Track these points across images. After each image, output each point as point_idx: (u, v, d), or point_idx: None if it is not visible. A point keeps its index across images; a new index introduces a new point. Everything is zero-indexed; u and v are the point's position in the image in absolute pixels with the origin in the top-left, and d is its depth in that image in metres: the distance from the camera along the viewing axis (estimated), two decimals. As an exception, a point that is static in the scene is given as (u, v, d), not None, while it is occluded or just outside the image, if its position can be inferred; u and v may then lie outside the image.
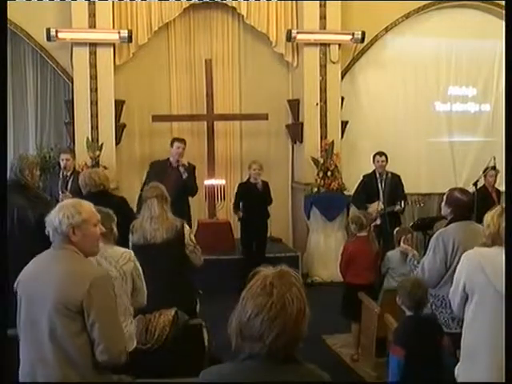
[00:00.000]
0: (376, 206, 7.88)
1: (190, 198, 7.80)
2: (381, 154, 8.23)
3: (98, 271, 3.14)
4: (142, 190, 7.53)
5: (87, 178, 5.61)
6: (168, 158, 7.84)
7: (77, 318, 2.88)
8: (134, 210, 5.85)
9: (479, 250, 3.33)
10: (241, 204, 7.99)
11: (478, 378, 3.18)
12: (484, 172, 8.24)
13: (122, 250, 4.00)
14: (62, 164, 7.58)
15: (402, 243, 5.55)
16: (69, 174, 7.51)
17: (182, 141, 7.89)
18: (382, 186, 8.12)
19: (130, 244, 4.84)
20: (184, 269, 4.94)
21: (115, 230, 4.01)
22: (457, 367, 3.41)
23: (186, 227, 4.95)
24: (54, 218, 3.01)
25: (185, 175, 7.61)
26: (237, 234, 8.69)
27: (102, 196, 5.49)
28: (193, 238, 4.98)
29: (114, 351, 2.95)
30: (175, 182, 7.33)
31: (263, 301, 1.85)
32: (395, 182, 8.18)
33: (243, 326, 1.87)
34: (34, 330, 2.93)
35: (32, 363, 2.97)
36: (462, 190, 4.72)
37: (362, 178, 8.37)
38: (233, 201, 8.24)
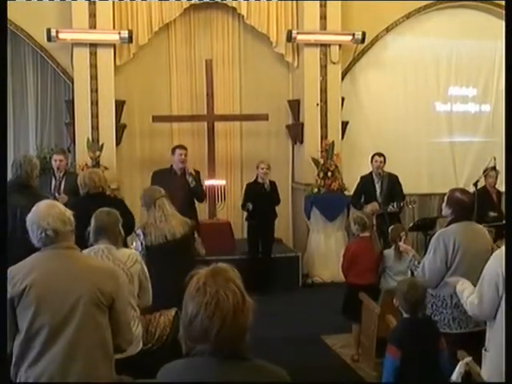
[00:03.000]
0: (371, 207, 7.91)
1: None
2: (379, 154, 8.26)
3: (115, 267, 3.42)
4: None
5: (87, 178, 5.58)
6: (171, 166, 7.77)
7: (106, 311, 3.01)
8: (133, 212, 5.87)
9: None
10: (249, 203, 8.01)
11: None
12: (484, 173, 8.25)
13: (129, 251, 4.05)
14: (55, 165, 7.50)
15: (401, 243, 5.55)
16: (61, 175, 7.44)
17: (184, 148, 7.81)
18: (379, 186, 8.14)
19: (140, 246, 4.90)
20: (194, 264, 5.00)
21: (122, 231, 4.04)
22: (458, 369, 3.42)
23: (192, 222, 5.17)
24: (54, 220, 3.01)
25: (192, 184, 7.56)
26: (237, 234, 8.69)
27: (101, 198, 5.50)
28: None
29: (131, 342, 3.27)
30: (181, 189, 7.31)
31: (199, 301, 1.92)
32: (392, 181, 8.19)
33: (187, 328, 1.95)
34: (59, 331, 2.90)
35: (58, 364, 2.91)
36: (463, 191, 4.72)
37: (359, 179, 8.40)
38: (241, 201, 8.28)
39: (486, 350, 3.52)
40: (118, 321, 3.06)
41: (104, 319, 3.00)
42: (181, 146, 7.86)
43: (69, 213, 3.11)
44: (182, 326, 1.97)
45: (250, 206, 7.91)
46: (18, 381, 2.94)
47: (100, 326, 2.98)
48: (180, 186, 7.35)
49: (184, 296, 2.00)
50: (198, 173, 7.91)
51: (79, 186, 5.62)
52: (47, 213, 3.03)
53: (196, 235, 5.23)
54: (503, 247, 3.42)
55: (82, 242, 3.97)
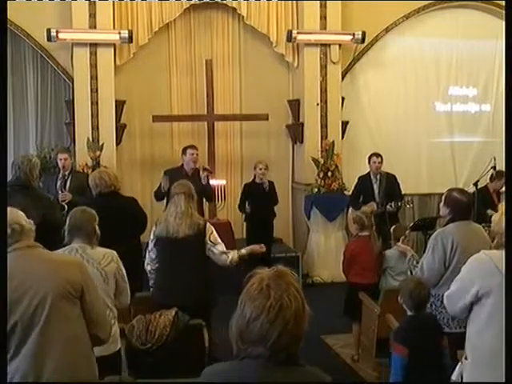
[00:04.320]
0: (369, 208, 7.92)
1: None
2: (377, 155, 8.26)
3: (80, 259, 3.50)
4: (155, 196, 7.56)
5: (97, 178, 5.56)
6: (182, 166, 7.71)
7: (77, 301, 3.03)
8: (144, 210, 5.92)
9: (490, 252, 3.29)
10: (247, 204, 8.01)
11: (494, 378, 3.06)
12: (491, 178, 8.21)
13: (104, 250, 3.96)
14: (60, 163, 7.55)
15: (400, 243, 5.56)
16: (67, 173, 7.49)
17: (195, 147, 7.76)
18: (378, 186, 8.14)
19: (152, 235, 4.93)
20: (202, 267, 4.93)
21: (98, 230, 3.98)
22: (458, 369, 3.39)
23: (210, 227, 4.94)
24: (19, 221, 3.08)
25: (205, 181, 7.55)
26: (237, 234, 8.69)
27: (113, 196, 5.53)
28: (214, 238, 4.90)
29: (108, 330, 3.26)
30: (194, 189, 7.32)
31: (261, 304, 1.84)
32: (391, 181, 8.20)
33: (243, 330, 1.87)
34: (29, 328, 2.93)
35: (30, 359, 2.94)
36: (461, 191, 4.74)
37: (357, 179, 8.40)
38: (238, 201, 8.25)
39: (466, 358, 3.28)
40: (91, 311, 3.07)
41: (74, 311, 3.02)
42: (192, 146, 7.79)
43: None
44: (237, 326, 1.89)
45: (249, 209, 7.93)
46: None
47: (70, 319, 2.99)
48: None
49: (241, 296, 1.92)
50: (209, 171, 7.92)
51: (91, 187, 5.58)
52: (10, 212, 3.12)
53: (217, 246, 4.86)
54: (485, 251, 3.33)
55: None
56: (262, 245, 5.12)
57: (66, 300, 2.98)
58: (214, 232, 4.94)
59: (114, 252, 3.99)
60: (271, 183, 8.15)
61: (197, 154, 7.69)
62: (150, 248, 5.01)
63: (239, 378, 1.87)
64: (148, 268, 5.03)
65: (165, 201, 7.26)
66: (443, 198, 4.60)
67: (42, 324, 2.93)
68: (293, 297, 1.87)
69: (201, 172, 7.57)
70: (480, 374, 3.16)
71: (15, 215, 3.10)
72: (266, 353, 1.85)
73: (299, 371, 1.92)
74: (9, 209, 3.11)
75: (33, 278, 2.98)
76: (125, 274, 4.00)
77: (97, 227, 3.98)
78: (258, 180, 8.06)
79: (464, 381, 3.30)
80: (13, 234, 3.03)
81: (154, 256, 4.98)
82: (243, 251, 4.98)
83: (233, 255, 4.88)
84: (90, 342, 3.09)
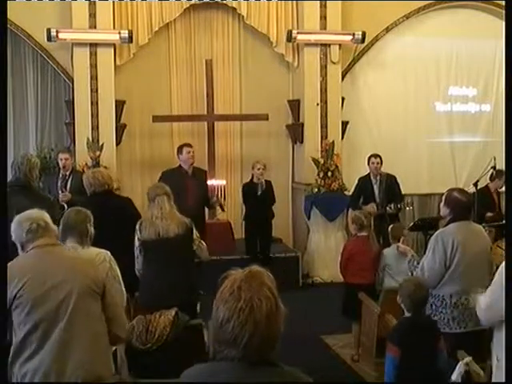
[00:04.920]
0: (369, 209, 7.92)
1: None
2: (375, 156, 8.26)
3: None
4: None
5: (91, 177, 5.58)
6: (179, 166, 7.73)
7: (99, 299, 3.10)
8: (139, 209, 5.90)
9: None
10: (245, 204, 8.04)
11: None
12: (492, 177, 8.22)
13: (97, 250, 3.99)
14: (61, 164, 7.57)
15: (400, 244, 5.55)
16: (67, 173, 7.50)
17: (190, 145, 7.78)
18: (378, 187, 8.14)
19: (138, 241, 4.89)
20: (191, 266, 5.03)
21: (91, 230, 4.00)
22: (458, 369, 3.39)
23: (192, 224, 5.01)
24: (44, 218, 3.22)
25: (213, 201, 7.73)
26: (237, 234, 8.69)
27: (107, 195, 5.52)
28: (197, 234, 5.06)
29: (126, 329, 3.37)
30: (193, 188, 7.34)
31: (232, 306, 1.86)
32: (391, 182, 8.19)
33: (217, 332, 1.91)
34: (53, 325, 2.96)
35: (54, 356, 2.96)
36: (461, 191, 4.73)
37: (357, 180, 8.40)
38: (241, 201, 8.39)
39: (497, 359, 3.30)
40: (111, 308, 3.15)
41: (98, 308, 3.09)
42: (187, 144, 7.81)
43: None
44: (212, 327, 1.92)
45: (244, 211, 8.06)
46: (14, 379, 2.98)
47: (94, 316, 3.05)
48: (192, 186, 7.36)
49: (215, 298, 1.94)
50: (205, 172, 7.91)
51: (85, 187, 5.61)
52: (35, 210, 3.29)
53: (202, 241, 5.12)
54: None
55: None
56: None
57: (89, 297, 3.04)
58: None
59: (108, 252, 4.01)
60: (268, 182, 8.15)
61: (193, 152, 7.70)
62: (136, 254, 4.93)
63: (216, 379, 1.90)
64: (138, 274, 5.02)
65: None
66: (443, 198, 4.60)
67: (66, 320, 2.97)
68: (264, 298, 1.88)
69: (211, 201, 7.73)
70: None
71: (41, 213, 3.24)
72: (240, 354, 1.86)
73: (276, 372, 1.93)
74: (34, 209, 3.27)
75: (58, 275, 3.04)
76: (119, 275, 4.03)
77: (90, 227, 4.00)
78: (256, 180, 8.07)
79: (496, 380, 3.30)
80: (37, 230, 3.13)
81: (141, 262, 4.94)
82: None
83: None
84: (107, 341, 3.15)
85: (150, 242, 4.82)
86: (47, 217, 3.24)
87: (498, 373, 3.28)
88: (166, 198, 4.92)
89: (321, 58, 9.23)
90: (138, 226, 4.91)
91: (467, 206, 4.55)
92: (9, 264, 3.10)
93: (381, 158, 8.22)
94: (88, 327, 3.02)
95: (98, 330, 3.07)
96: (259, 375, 1.89)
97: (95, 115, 8.73)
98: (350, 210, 8.49)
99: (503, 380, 3.19)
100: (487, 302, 3.36)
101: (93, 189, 5.54)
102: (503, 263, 3.34)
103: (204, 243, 5.10)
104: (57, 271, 3.06)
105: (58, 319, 2.97)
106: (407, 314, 3.99)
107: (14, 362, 2.99)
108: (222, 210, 7.97)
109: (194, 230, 5.00)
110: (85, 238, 3.95)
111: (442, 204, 4.62)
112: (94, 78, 8.70)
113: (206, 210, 8.52)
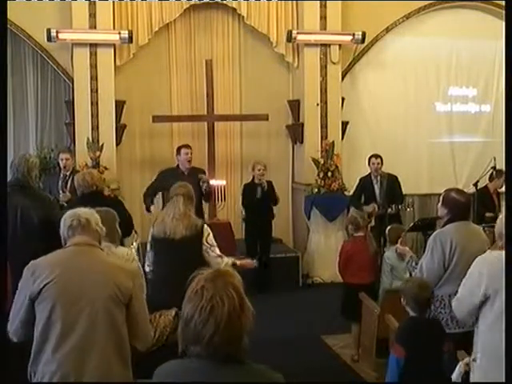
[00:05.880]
0: (370, 209, 7.92)
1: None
2: (376, 156, 8.27)
3: (134, 266, 3.59)
4: (145, 193, 7.64)
5: (80, 179, 5.66)
6: (177, 166, 7.74)
7: (123, 308, 3.06)
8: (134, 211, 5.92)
9: (496, 252, 3.31)
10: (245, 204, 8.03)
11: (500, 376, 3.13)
12: (491, 177, 8.22)
13: (126, 249, 4.11)
14: (62, 164, 7.59)
15: (399, 245, 5.55)
16: (68, 173, 7.50)
17: (189, 146, 7.80)
18: (379, 187, 8.14)
19: (150, 236, 4.94)
20: (196, 269, 4.95)
21: (119, 230, 4.08)
22: (458, 369, 3.40)
23: (207, 229, 4.94)
24: (87, 217, 3.19)
25: (206, 190, 7.54)
26: (238, 234, 8.69)
27: (95, 197, 5.49)
28: (211, 240, 4.93)
29: (149, 341, 3.31)
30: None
31: (195, 304, 1.93)
32: (392, 183, 8.20)
33: (183, 330, 1.96)
34: (72, 326, 2.95)
35: (72, 360, 2.95)
36: (459, 191, 4.72)
37: (358, 180, 8.41)
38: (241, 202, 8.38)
39: (474, 360, 3.37)
40: (135, 319, 3.10)
41: (121, 316, 3.04)
42: (186, 146, 7.83)
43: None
44: (180, 326, 1.99)
45: (244, 212, 8.04)
46: (35, 377, 2.98)
47: (116, 323, 3.02)
48: None
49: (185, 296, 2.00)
50: (203, 172, 7.91)
51: (76, 187, 5.66)
52: (84, 209, 3.28)
53: (212, 248, 4.90)
54: (493, 251, 3.37)
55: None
56: (255, 261, 5.34)
57: (114, 304, 3.01)
58: (211, 235, 4.94)
59: (134, 252, 4.11)
60: (270, 183, 8.16)
61: (191, 153, 7.70)
62: (148, 249, 5.01)
63: (185, 377, 1.95)
64: (147, 269, 5.03)
65: (161, 200, 7.31)
66: (441, 198, 4.60)
67: (87, 325, 2.95)
68: (227, 297, 1.92)
69: (200, 183, 7.51)
70: (491, 372, 3.20)
71: (88, 212, 3.24)
72: (203, 352, 1.92)
73: (243, 369, 1.96)
74: (85, 208, 3.28)
75: (88, 277, 3.03)
76: (143, 273, 4.16)
77: (118, 227, 4.12)
78: (256, 180, 8.07)
79: (474, 381, 3.33)
80: (77, 227, 3.13)
81: (152, 257, 4.98)
82: (237, 261, 5.03)
83: (227, 261, 4.93)
84: (128, 348, 3.09)
85: (159, 239, 4.85)
86: (93, 215, 3.21)
87: (477, 373, 3.32)
88: (183, 198, 4.88)
89: (321, 58, 9.23)
90: (154, 222, 5.00)
91: (465, 206, 4.54)
92: (43, 257, 3.10)
93: (381, 159, 8.23)
94: (109, 332, 2.99)
95: (118, 337, 3.03)
96: (226, 373, 1.93)
97: (95, 115, 8.73)
98: (352, 210, 8.51)
99: (483, 380, 3.24)
100: (459, 292, 3.48)
101: (81, 190, 5.60)
102: (477, 258, 3.41)
103: (216, 251, 4.92)
104: (88, 273, 3.03)
105: (78, 321, 2.95)
106: (413, 314, 3.98)
107: (35, 360, 2.99)
108: (208, 181, 7.70)
109: (206, 235, 4.88)
110: (115, 237, 4.06)
111: (439, 204, 4.62)
112: (93, 78, 8.70)
113: (206, 210, 8.56)
